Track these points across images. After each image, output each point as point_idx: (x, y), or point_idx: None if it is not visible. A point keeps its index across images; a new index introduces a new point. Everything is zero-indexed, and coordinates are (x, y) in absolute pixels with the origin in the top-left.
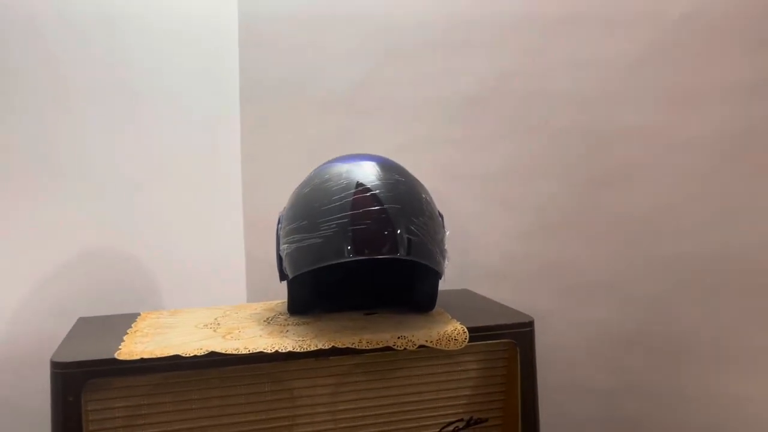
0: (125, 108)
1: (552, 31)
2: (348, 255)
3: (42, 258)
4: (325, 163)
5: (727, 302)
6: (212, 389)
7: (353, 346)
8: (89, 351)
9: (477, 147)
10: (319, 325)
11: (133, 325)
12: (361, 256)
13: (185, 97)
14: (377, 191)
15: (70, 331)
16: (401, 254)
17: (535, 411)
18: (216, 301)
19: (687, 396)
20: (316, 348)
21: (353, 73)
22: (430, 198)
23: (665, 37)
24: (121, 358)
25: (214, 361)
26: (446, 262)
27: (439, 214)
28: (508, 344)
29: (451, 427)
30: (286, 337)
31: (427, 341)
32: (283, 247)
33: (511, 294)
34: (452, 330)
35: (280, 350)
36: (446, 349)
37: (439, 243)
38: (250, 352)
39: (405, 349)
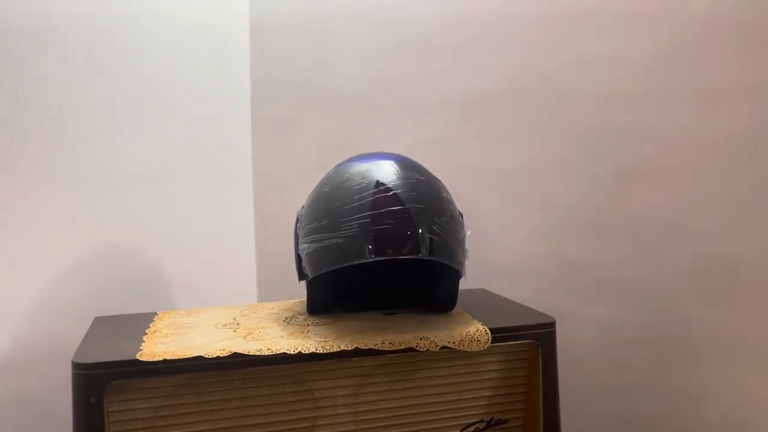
0: (138, 108)
1: (570, 28)
2: (370, 255)
3: (52, 257)
4: (343, 162)
5: (742, 302)
6: (234, 390)
7: (376, 347)
8: (110, 352)
9: (492, 145)
10: (339, 325)
11: (151, 325)
12: (384, 257)
13: (196, 95)
14: (398, 191)
15: (89, 331)
16: (423, 254)
17: (556, 412)
18: (227, 300)
19: (700, 395)
20: (339, 349)
21: (366, 71)
22: (451, 197)
23: (686, 36)
24: (143, 359)
25: (237, 362)
26: (467, 261)
27: (459, 213)
28: (530, 345)
29: (471, 428)
30: (308, 337)
31: (449, 342)
32: (302, 246)
33: (526, 293)
34: (474, 331)
35: (303, 351)
36: (469, 350)
37: (460, 242)
38: (273, 353)
39: (427, 350)
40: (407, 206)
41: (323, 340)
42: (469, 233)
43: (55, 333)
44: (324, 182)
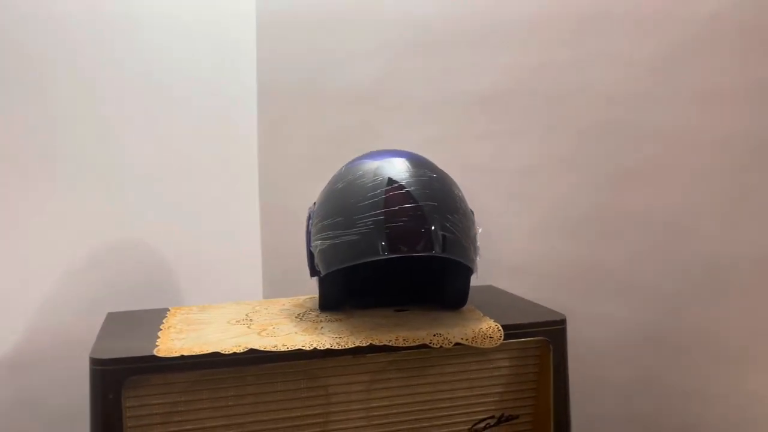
0: (146, 106)
1: (578, 28)
2: (384, 252)
3: (61, 254)
4: (354, 160)
5: (748, 302)
6: (248, 386)
7: (390, 344)
8: (127, 348)
9: (498, 144)
10: (352, 322)
11: (164, 321)
12: (398, 254)
13: (204, 93)
14: (411, 188)
15: (103, 327)
16: (437, 251)
17: (566, 408)
18: (232, 296)
19: (703, 394)
20: (353, 345)
21: (372, 69)
22: (462, 194)
23: (694, 36)
24: (161, 355)
25: (252, 358)
26: (478, 258)
27: (470, 210)
28: (541, 342)
29: (482, 424)
30: (322, 334)
31: (462, 339)
32: (315, 243)
33: (532, 291)
34: (487, 328)
35: (318, 348)
36: (481, 347)
37: (472, 240)
38: (289, 349)
39: (441, 346)
40: (420, 204)
41: (337, 336)
42: (480, 230)
43: (65, 329)
44: (336, 179)
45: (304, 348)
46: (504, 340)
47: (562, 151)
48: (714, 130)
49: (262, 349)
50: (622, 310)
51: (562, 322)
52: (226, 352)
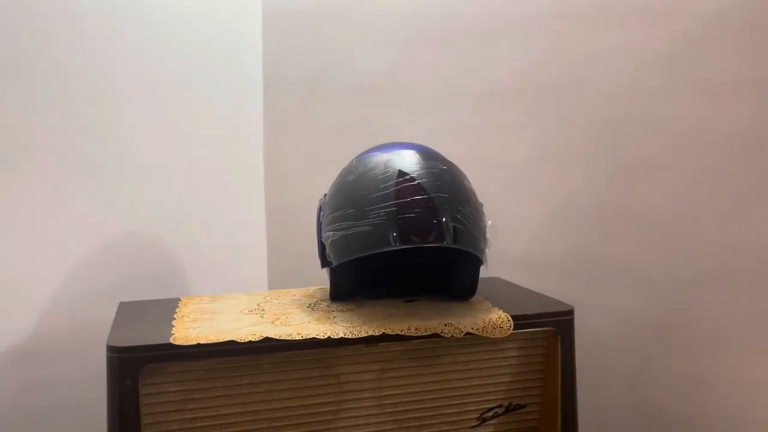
0: (153, 100)
1: (583, 22)
2: (395, 243)
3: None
4: (364, 152)
5: (753, 292)
6: (263, 374)
7: (402, 333)
8: (143, 336)
9: (506, 137)
10: (364, 311)
11: (177, 311)
12: (409, 245)
13: (210, 87)
14: (422, 180)
15: (117, 316)
16: (448, 243)
17: (573, 397)
18: (238, 287)
19: (710, 383)
20: (366, 335)
21: (379, 63)
22: (472, 186)
23: (700, 30)
24: (177, 343)
25: (268, 346)
26: (487, 249)
27: (480, 202)
28: (549, 332)
29: (491, 413)
30: (335, 323)
31: (473, 329)
32: (326, 234)
33: (538, 282)
34: (497, 318)
35: (332, 336)
36: (492, 336)
37: (482, 231)
38: (303, 338)
39: (452, 336)
40: (431, 195)
41: (350, 325)
42: (490, 222)
43: (76, 318)
44: (347, 171)
45: (318, 337)
46: (513, 330)
47: (569, 143)
48: (723, 124)
49: (277, 337)
50: (627, 301)
51: (570, 312)
52: (242, 341)
